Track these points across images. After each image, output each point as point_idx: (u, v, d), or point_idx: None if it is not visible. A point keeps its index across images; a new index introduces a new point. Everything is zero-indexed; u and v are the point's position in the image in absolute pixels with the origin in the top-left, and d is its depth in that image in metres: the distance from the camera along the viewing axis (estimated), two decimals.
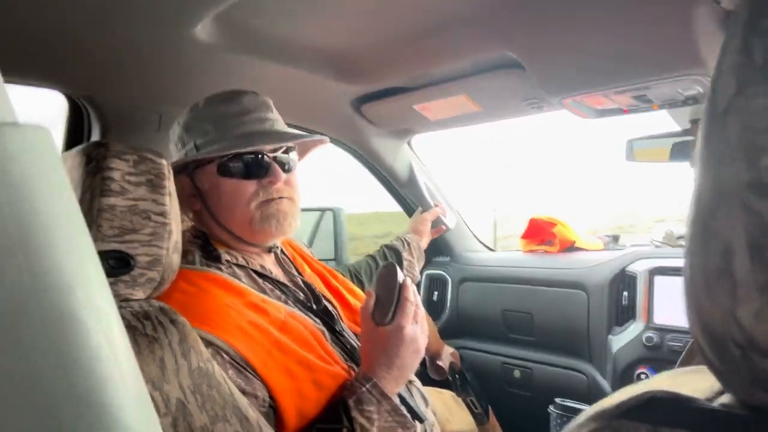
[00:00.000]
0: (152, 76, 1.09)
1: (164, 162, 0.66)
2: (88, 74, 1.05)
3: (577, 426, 0.24)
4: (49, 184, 0.19)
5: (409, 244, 1.37)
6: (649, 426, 0.22)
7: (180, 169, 0.84)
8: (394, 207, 1.79)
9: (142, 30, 0.89)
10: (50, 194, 0.19)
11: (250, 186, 0.83)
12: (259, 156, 0.83)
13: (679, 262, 1.30)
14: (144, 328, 0.61)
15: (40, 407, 0.16)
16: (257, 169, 0.83)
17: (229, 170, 0.83)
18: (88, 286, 0.19)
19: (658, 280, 1.30)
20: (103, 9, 0.82)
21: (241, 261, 0.84)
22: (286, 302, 0.83)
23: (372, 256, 1.33)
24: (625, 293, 1.35)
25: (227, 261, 0.83)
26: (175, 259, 0.68)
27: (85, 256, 0.20)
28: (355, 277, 1.26)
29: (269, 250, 0.91)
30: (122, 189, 0.61)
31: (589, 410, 0.25)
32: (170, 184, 0.66)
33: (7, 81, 0.20)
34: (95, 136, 1.15)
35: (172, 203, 0.66)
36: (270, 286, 0.84)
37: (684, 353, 0.49)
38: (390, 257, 1.32)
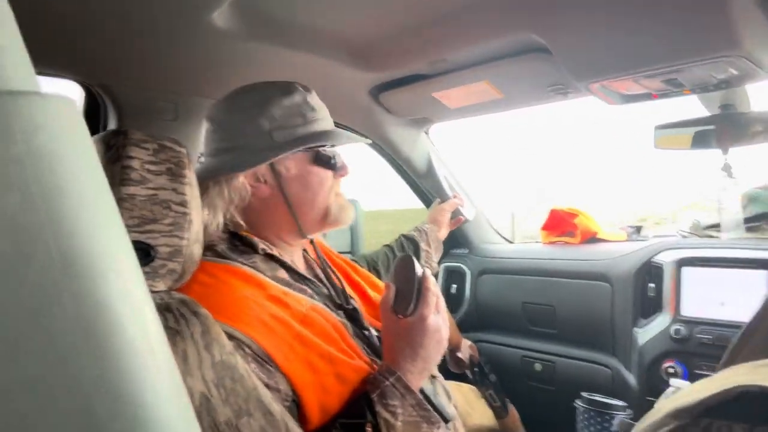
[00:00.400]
0: (168, 64, 1.07)
1: (184, 150, 0.64)
2: (103, 62, 1.04)
3: (654, 423, 0.22)
4: (78, 158, 0.17)
5: (427, 235, 1.36)
6: (744, 424, 0.20)
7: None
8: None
9: (158, 17, 0.87)
10: (79, 168, 0.17)
11: (330, 177, 0.88)
12: (337, 150, 0.88)
13: (708, 253, 1.26)
14: (166, 320, 0.60)
15: (72, 405, 0.15)
16: (338, 162, 0.88)
17: (322, 160, 0.86)
18: (121, 272, 0.17)
19: (686, 271, 1.26)
20: None
21: (276, 252, 0.83)
22: (311, 297, 0.82)
23: (389, 246, 1.32)
24: (652, 285, 1.31)
25: (263, 249, 0.81)
26: (197, 250, 0.66)
27: (117, 237, 0.18)
28: (372, 267, 1.25)
29: (310, 242, 0.94)
30: (142, 178, 0.60)
31: (663, 407, 0.23)
32: (190, 173, 0.65)
33: None
34: (111, 126, 1.14)
35: (192, 193, 0.65)
36: (295, 279, 0.83)
37: (730, 348, 0.46)
38: (407, 248, 1.31)
